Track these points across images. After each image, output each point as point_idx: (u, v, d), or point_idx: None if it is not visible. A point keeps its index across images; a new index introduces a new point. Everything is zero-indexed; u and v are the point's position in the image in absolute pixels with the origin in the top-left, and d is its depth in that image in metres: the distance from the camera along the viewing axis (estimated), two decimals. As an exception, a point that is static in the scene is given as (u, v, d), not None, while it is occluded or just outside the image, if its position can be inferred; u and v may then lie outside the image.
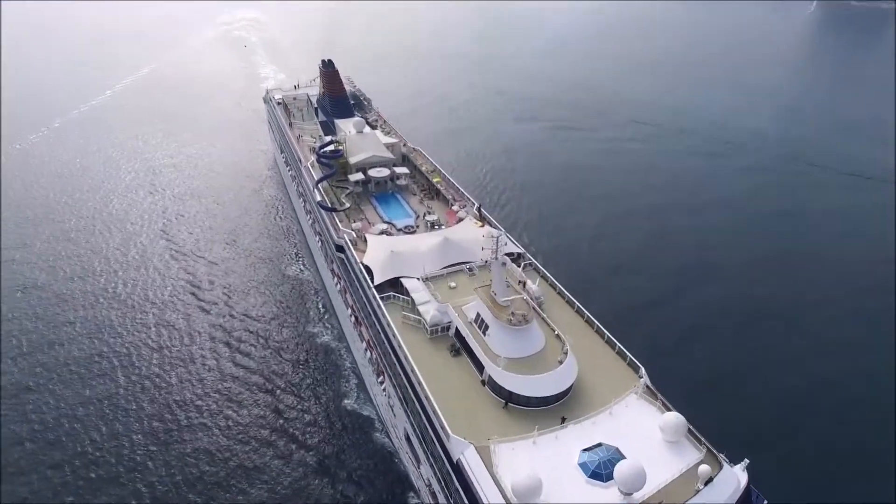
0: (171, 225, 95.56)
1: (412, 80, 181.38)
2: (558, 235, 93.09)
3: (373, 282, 52.98)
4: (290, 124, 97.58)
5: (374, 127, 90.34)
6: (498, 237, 44.33)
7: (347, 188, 73.18)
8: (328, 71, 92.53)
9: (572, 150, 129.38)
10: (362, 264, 55.65)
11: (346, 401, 62.20)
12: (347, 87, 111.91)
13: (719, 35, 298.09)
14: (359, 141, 79.02)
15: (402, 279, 52.87)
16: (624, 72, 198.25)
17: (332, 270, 69.72)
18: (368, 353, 58.18)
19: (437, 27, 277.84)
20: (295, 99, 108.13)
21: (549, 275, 54.46)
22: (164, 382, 63.52)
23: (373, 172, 75.01)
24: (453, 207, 68.70)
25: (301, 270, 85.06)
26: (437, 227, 65.96)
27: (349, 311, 64.04)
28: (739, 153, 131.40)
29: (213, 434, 57.12)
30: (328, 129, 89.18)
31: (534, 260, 57.28)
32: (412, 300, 50.07)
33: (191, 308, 74.96)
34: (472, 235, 58.03)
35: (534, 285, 50.74)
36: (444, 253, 55.39)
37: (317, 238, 77.32)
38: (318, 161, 75.39)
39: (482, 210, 66.46)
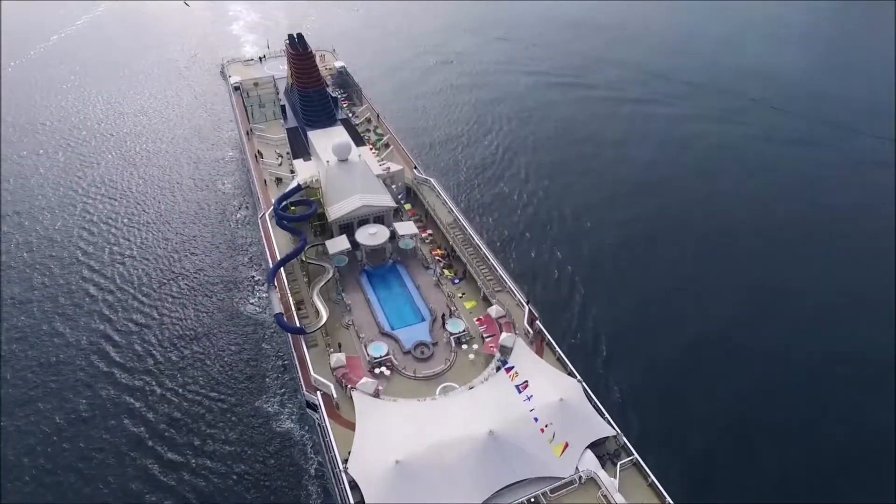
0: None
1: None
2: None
3: None
4: (249, 132, 69.83)
5: (362, 139, 63.05)
6: None
7: (325, 265, 47.62)
8: (298, 53, 63.23)
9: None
10: (344, 471, 31.85)
11: None
12: (330, 68, 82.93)
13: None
14: (341, 178, 52.25)
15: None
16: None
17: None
18: None
19: None
20: (257, 85, 78.96)
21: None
22: None
23: (363, 236, 49.25)
24: (491, 310, 43.56)
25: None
26: (464, 342, 41.69)
27: None
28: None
29: None
30: (297, 144, 61.79)
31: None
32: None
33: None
34: (540, 397, 33.84)
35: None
36: (487, 465, 31.51)
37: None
38: (277, 223, 49.20)
39: (537, 320, 41.67)
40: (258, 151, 64.45)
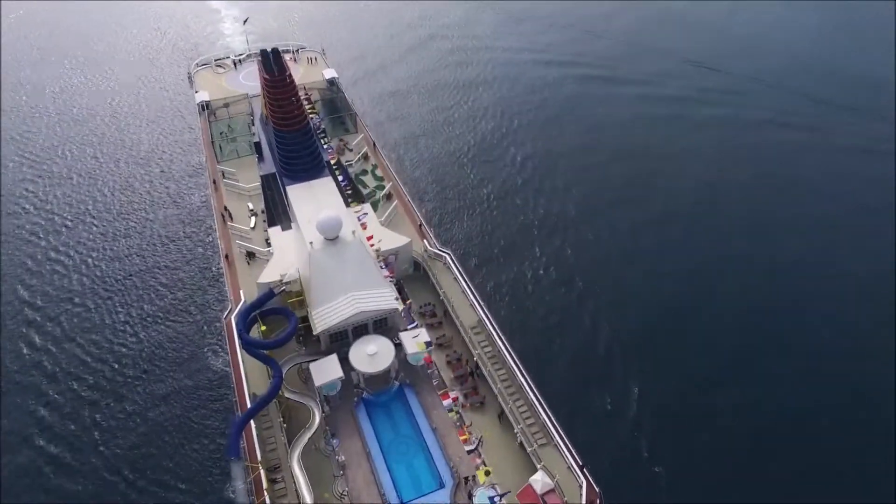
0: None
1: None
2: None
3: None
4: (216, 182, 55.52)
5: (359, 191, 49.84)
6: None
7: (309, 405, 35.41)
8: (274, 79, 47.81)
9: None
10: None
11: None
12: (316, 84, 68.00)
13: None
14: (329, 267, 39.27)
15: None
16: None
17: None
18: None
19: None
20: (227, 106, 64.49)
21: None
22: None
23: (360, 357, 36.89)
24: (535, 479, 31.80)
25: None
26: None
27: None
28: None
29: None
30: (274, 202, 48.65)
31: None
32: None
33: None
34: None
35: None
36: None
37: None
38: (243, 347, 36.76)
39: (599, 501, 30.05)
40: (225, 209, 51.11)
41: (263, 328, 36.24)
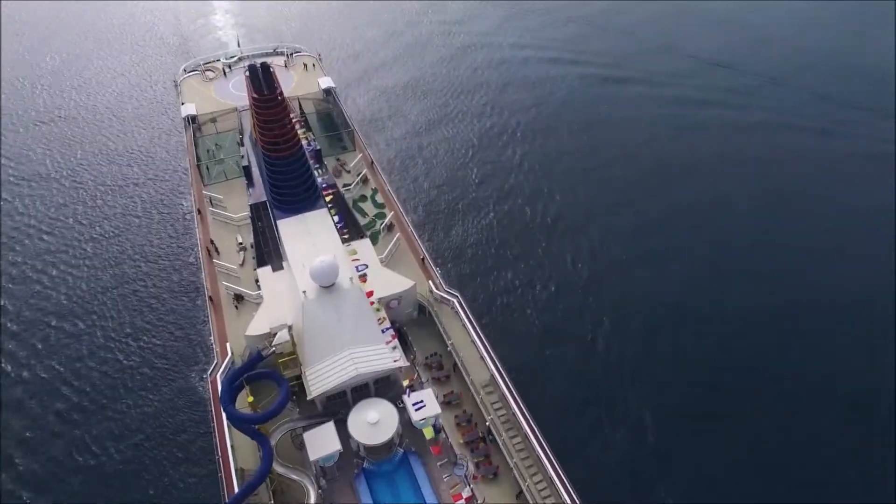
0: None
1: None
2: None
3: None
4: (200, 210, 50.97)
5: (358, 226, 45.87)
6: None
7: (302, 482, 31.71)
8: (263, 98, 42.78)
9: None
10: None
11: None
12: (311, 95, 63.42)
13: None
14: (325, 320, 35.11)
15: None
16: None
17: None
18: None
19: None
20: (214, 121, 59.84)
21: None
22: None
23: (359, 426, 32.99)
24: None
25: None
26: None
27: None
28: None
29: None
30: (264, 236, 44.39)
31: None
32: None
33: None
34: None
35: None
36: None
37: None
38: (229, 419, 32.87)
39: None
40: (211, 243, 46.88)
41: (251, 399, 32.30)
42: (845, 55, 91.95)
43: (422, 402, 34.08)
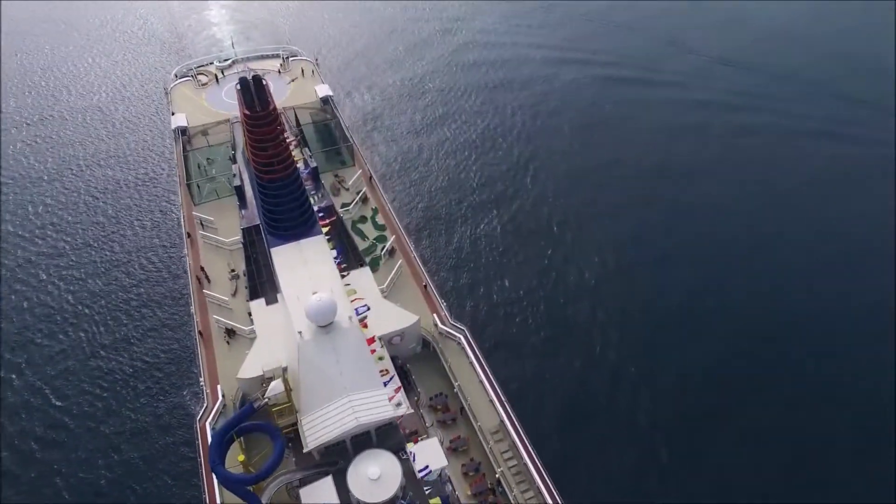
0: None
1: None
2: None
3: None
4: (190, 234, 48.00)
5: (358, 252, 43.39)
6: None
7: None
8: (255, 115, 39.40)
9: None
10: None
11: None
12: (308, 106, 60.21)
13: None
14: (322, 364, 32.51)
15: None
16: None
17: None
18: None
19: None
20: (206, 134, 56.91)
21: None
22: None
23: (360, 483, 30.36)
24: None
25: None
26: None
27: None
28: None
29: None
30: (258, 264, 41.73)
31: None
32: None
33: None
34: None
35: None
36: None
37: None
38: (219, 479, 30.36)
39: None
40: (202, 270, 44.25)
41: (242, 458, 29.87)
42: (853, 54, 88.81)
43: (427, 468, 31.36)
